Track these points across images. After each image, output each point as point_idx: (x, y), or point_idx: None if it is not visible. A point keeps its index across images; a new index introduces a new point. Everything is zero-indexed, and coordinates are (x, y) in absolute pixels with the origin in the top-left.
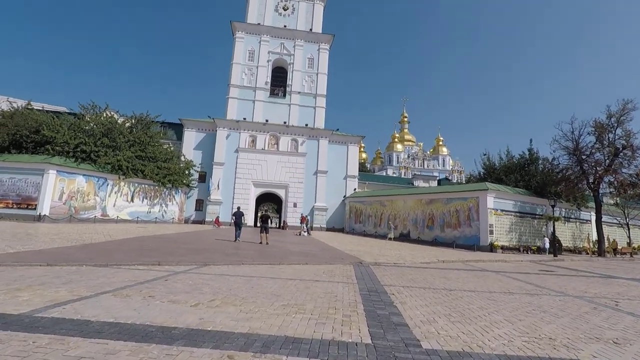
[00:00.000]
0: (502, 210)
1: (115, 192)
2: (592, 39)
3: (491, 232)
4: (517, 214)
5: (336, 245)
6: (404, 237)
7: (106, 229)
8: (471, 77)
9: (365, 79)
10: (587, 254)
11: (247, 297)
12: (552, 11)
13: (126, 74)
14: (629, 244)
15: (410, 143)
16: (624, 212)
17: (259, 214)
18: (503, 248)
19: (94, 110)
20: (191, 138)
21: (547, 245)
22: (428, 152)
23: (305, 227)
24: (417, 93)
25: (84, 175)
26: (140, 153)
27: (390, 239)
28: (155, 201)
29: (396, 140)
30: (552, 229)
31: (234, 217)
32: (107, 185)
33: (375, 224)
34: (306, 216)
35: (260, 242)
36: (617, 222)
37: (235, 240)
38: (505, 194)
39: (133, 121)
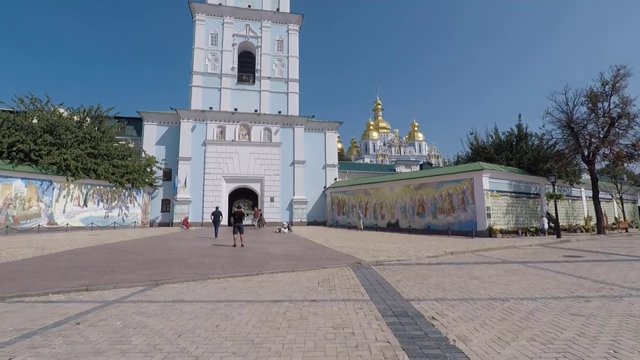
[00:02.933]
0: (497, 192)
1: (64, 197)
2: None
3: (489, 216)
4: (513, 194)
5: (322, 241)
6: (392, 227)
7: (46, 240)
8: (445, 59)
9: (336, 67)
10: (582, 231)
11: (205, 354)
12: None
13: (72, 61)
14: (623, 219)
15: (386, 130)
16: (616, 186)
17: (233, 211)
18: (502, 232)
19: (33, 104)
20: (152, 132)
21: (546, 226)
22: (404, 139)
23: (285, 223)
24: (390, 79)
25: (22, 178)
26: (92, 150)
27: (360, 229)
28: (113, 204)
29: (371, 128)
30: (553, 208)
31: (212, 217)
32: (53, 188)
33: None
34: (259, 209)
35: (234, 245)
36: (605, 198)
37: (216, 237)
38: (500, 174)
39: (82, 115)
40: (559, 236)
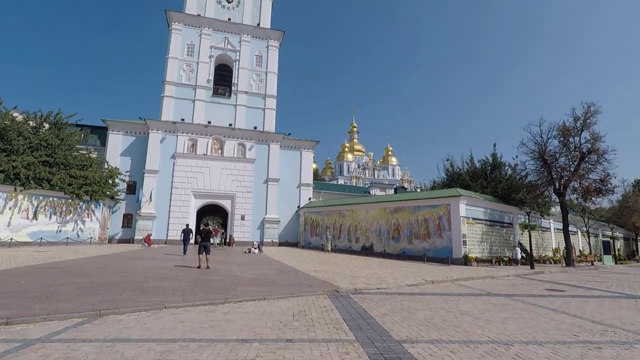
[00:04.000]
0: (473, 219)
1: (11, 208)
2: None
3: (464, 243)
4: (488, 223)
5: (295, 264)
6: (367, 251)
7: None
8: (421, 86)
9: (314, 87)
10: (550, 262)
11: None
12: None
13: (32, 67)
14: (590, 252)
15: (360, 153)
16: (583, 219)
17: (201, 228)
18: (477, 260)
19: None
20: (117, 142)
21: (519, 256)
22: (378, 162)
23: (255, 243)
24: (366, 103)
25: None
26: (47, 158)
27: (327, 251)
28: (67, 218)
29: (346, 150)
30: (527, 238)
31: (182, 235)
32: None
33: (334, 236)
34: (219, 228)
35: (199, 266)
36: (571, 230)
37: (184, 254)
38: (477, 201)
39: (39, 120)
40: (532, 267)
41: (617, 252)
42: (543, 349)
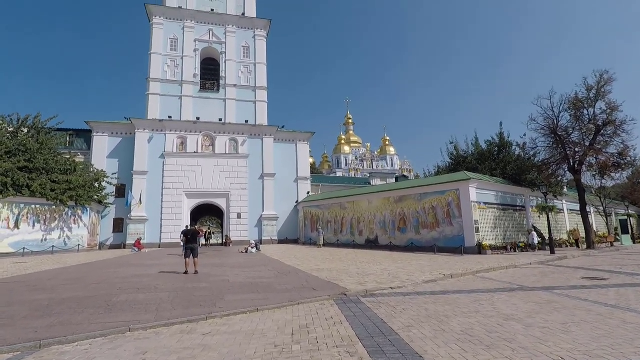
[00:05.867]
0: (485, 204)
1: None
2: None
3: (477, 230)
4: (500, 207)
5: (296, 263)
6: (371, 244)
7: None
8: (415, 74)
9: (305, 81)
10: (567, 246)
11: None
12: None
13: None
14: (608, 233)
15: (357, 144)
16: (599, 198)
17: (186, 228)
18: (492, 248)
19: None
20: (103, 144)
21: (535, 241)
22: (376, 153)
23: (252, 243)
24: (360, 92)
25: None
26: (26, 164)
27: (319, 246)
28: (52, 225)
29: (343, 142)
30: (545, 221)
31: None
32: None
33: (336, 230)
34: (203, 229)
35: (186, 272)
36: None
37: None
38: (487, 184)
39: (15, 125)
40: (552, 252)
41: (632, 231)
42: None
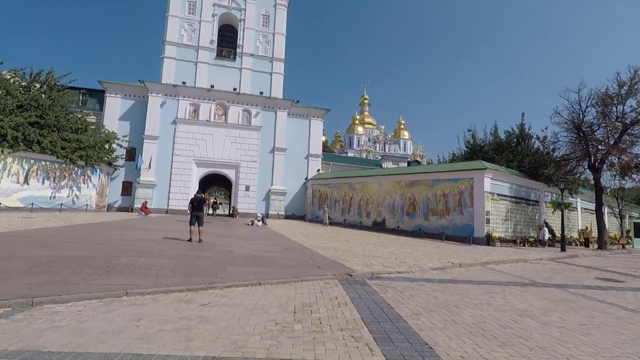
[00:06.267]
0: (498, 195)
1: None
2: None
3: (487, 221)
4: (513, 200)
5: (302, 239)
6: (378, 226)
7: None
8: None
9: (324, 57)
10: (577, 244)
11: None
12: None
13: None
14: (622, 234)
15: (371, 126)
16: (616, 199)
17: (194, 196)
18: (501, 240)
19: None
20: (115, 106)
21: (546, 237)
22: (389, 136)
23: (259, 215)
24: (378, 75)
25: None
26: (37, 120)
27: (325, 224)
28: (62, 183)
29: (357, 122)
30: (560, 218)
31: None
32: None
33: (344, 210)
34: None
35: (190, 239)
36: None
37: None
38: (503, 175)
39: (28, 80)
40: (563, 249)
41: None
42: None
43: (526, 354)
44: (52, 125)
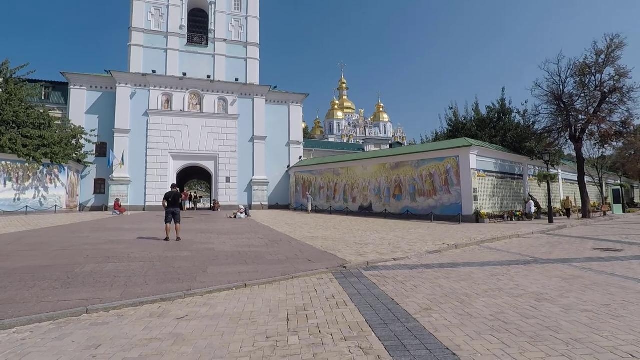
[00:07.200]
0: (484, 171)
1: None
2: None
3: (475, 199)
4: (499, 175)
5: (287, 230)
6: (365, 211)
7: None
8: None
9: (300, 43)
10: (561, 214)
11: None
12: None
13: None
14: (603, 202)
15: (351, 110)
16: (596, 167)
17: (170, 191)
18: (489, 216)
19: None
20: (81, 98)
21: (532, 210)
22: (369, 119)
23: (241, 207)
24: (355, 60)
25: None
26: None
27: (308, 212)
28: (26, 184)
29: (336, 107)
30: (546, 189)
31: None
32: None
33: (329, 196)
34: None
35: (167, 238)
36: (571, 180)
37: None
38: (488, 151)
39: None
40: (551, 221)
41: (623, 201)
42: None
43: (564, 352)
44: (11, 122)
